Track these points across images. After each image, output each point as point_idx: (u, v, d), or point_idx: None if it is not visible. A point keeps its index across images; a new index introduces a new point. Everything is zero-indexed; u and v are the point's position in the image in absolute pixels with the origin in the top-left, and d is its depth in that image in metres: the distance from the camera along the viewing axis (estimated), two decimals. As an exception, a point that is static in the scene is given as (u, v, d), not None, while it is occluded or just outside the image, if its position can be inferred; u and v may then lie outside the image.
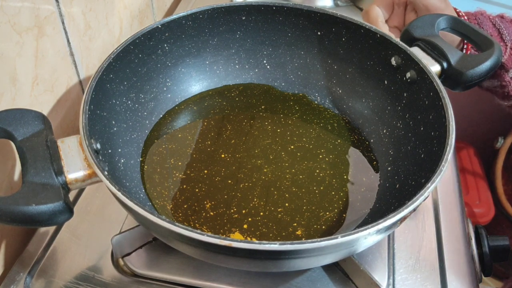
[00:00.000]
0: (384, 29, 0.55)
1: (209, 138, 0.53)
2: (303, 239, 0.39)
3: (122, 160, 0.47)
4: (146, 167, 0.49)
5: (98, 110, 0.44)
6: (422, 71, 0.46)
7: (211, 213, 0.45)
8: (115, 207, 0.40)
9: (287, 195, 0.47)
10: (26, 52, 0.44)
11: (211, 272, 0.43)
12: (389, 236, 0.46)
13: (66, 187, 0.37)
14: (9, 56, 0.42)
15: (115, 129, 0.47)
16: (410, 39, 0.51)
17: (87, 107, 0.41)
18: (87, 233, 0.46)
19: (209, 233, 0.32)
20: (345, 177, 0.49)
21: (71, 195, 0.48)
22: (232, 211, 0.45)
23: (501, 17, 0.56)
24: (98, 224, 0.47)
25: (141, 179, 0.48)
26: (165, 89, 0.55)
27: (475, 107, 1.14)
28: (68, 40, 0.51)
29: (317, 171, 0.49)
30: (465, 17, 0.56)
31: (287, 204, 0.46)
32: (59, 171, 0.37)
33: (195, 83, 0.58)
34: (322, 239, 0.32)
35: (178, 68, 0.56)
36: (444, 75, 0.48)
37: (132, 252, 0.44)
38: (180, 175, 0.49)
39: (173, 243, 0.37)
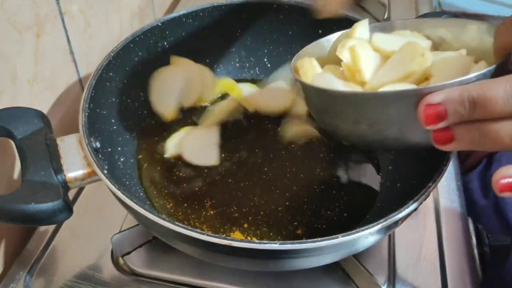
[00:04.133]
0: None
1: (209, 136, 0.53)
2: (304, 238, 0.39)
3: (122, 159, 0.47)
4: (146, 165, 0.49)
5: (98, 108, 0.43)
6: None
7: (211, 212, 0.45)
8: (115, 206, 0.39)
9: (287, 194, 0.47)
10: (26, 51, 0.44)
11: (211, 271, 0.43)
12: (389, 235, 0.46)
13: (65, 186, 0.37)
14: (9, 55, 0.42)
15: (114, 127, 0.47)
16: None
17: (87, 106, 0.41)
18: (87, 232, 0.46)
19: (209, 232, 0.32)
20: (346, 176, 0.49)
21: (71, 194, 0.48)
22: (232, 210, 0.45)
23: None
24: (98, 223, 0.47)
25: (140, 178, 0.48)
26: (165, 87, 0.55)
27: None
28: (68, 38, 0.50)
29: (318, 170, 0.49)
30: None
31: (287, 203, 0.46)
32: (59, 170, 0.37)
33: (195, 81, 0.57)
34: (322, 238, 0.32)
35: (178, 66, 0.56)
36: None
37: (132, 251, 0.44)
38: (180, 174, 0.49)
39: (173, 242, 0.37)
